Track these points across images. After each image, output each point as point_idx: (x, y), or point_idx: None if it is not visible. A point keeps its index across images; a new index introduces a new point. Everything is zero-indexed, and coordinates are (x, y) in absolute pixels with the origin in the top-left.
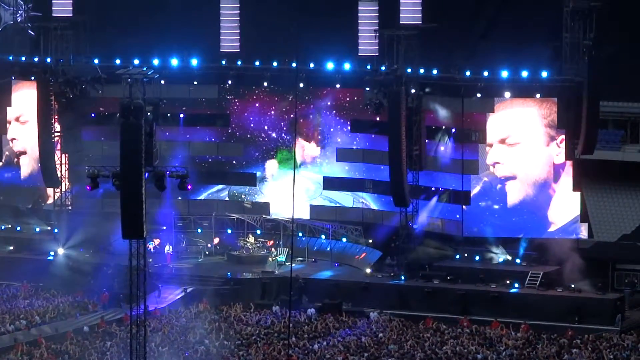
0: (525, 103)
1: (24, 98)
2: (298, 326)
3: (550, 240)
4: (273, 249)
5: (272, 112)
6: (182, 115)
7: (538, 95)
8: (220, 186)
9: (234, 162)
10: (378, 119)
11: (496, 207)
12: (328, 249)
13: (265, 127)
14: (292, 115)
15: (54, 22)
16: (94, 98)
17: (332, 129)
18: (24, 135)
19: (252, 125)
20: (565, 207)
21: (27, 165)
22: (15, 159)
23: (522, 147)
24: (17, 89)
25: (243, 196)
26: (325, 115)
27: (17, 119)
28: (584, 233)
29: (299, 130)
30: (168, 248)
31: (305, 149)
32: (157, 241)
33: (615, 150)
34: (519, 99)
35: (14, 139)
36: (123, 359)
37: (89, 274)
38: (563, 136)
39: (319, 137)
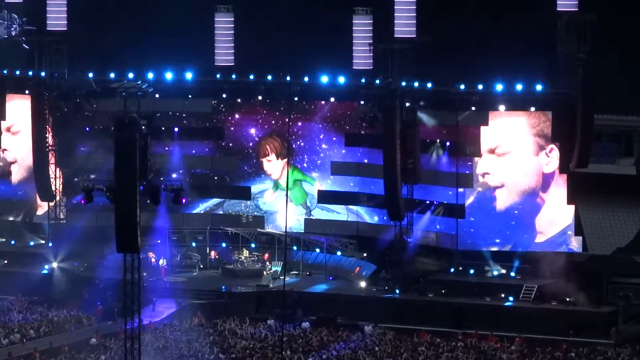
0: (514, 113)
1: (16, 109)
2: (293, 340)
3: (545, 254)
4: (268, 263)
5: (267, 126)
6: (176, 129)
7: (532, 109)
8: (216, 200)
9: (229, 175)
10: (372, 132)
11: (488, 218)
12: (323, 262)
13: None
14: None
15: (48, 36)
16: (89, 112)
17: (326, 143)
18: (16, 146)
19: (246, 138)
20: (554, 218)
21: (17, 174)
22: (7, 170)
23: (511, 156)
24: (9, 99)
25: (241, 214)
26: (320, 128)
27: (7, 129)
28: (574, 244)
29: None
30: (162, 262)
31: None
32: (151, 254)
33: (609, 163)
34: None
35: (5, 149)
36: None
37: (83, 287)
38: (552, 146)
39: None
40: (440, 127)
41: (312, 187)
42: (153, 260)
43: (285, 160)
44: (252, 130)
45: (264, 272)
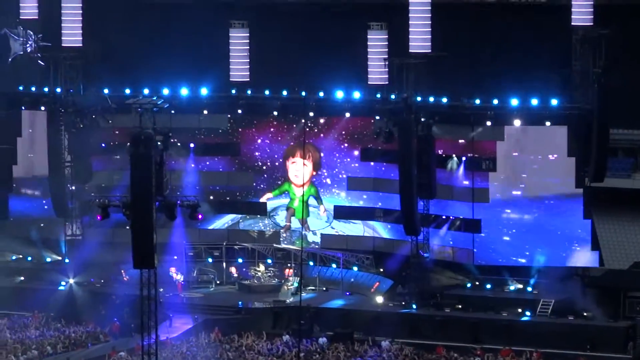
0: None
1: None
2: (309, 355)
3: (561, 268)
4: (290, 278)
5: (283, 141)
6: (192, 145)
7: (548, 123)
8: (233, 216)
9: (245, 191)
10: (388, 147)
11: (506, 237)
12: (339, 277)
13: (276, 156)
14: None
15: (63, 52)
16: (104, 128)
17: (342, 158)
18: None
19: (262, 154)
20: (571, 233)
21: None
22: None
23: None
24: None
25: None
26: (335, 144)
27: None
28: (591, 259)
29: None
30: (179, 277)
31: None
32: (173, 270)
33: (625, 178)
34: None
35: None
36: None
37: (100, 303)
38: None
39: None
40: (456, 141)
41: (317, 210)
42: (175, 276)
43: (309, 168)
44: (268, 146)
45: (285, 287)
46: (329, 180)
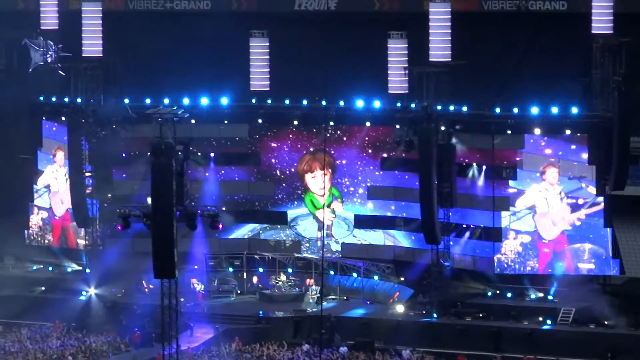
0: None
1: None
2: None
3: (582, 277)
4: (313, 287)
5: (303, 151)
6: (212, 154)
7: (568, 132)
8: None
9: (265, 201)
10: (408, 156)
11: (527, 241)
12: (360, 286)
13: (296, 165)
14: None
15: (84, 63)
16: (125, 138)
17: (362, 167)
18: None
19: (282, 163)
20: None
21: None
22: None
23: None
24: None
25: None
26: (356, 153)
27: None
28: (612, 267)
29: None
30: (200, 287)
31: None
32: (194, 281)
33: None
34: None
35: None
36: None
37: (120, 313)
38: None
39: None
40: (476, 150)
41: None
42: (197, 287)
43: (328, 176)
44: (288, 155)
45: (309, 296)
46: (352, 188)
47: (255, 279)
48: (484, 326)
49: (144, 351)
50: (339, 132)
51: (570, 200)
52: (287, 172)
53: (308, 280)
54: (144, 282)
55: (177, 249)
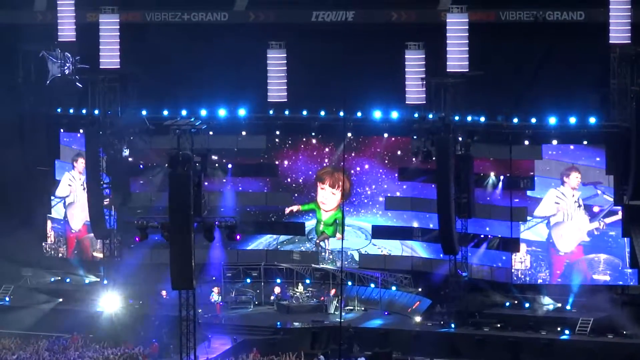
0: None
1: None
2: None
3: (600, 287)
4: (334, 298)
5: (320, 161)
6: (230, 166)
7: (585, 142)
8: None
9: (282, 212)
10: (426, 166)
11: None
12: (378, 297)
13: (313, 176)
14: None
15: (101, 74)
16: (142, 149)
17: (380, 178)
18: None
19: (300, 174)
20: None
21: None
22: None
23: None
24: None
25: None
26: (374, 163)
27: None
28: (630, 277)
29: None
30: (217, 298)
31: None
32: (216, 289)
33: None
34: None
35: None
36: None
37: (138, 324)
38: None
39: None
40: (494, 160)
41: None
42: (216, 297)
43: (339, 195)
44: (306, 166)
45: (334, 306)
46: (372, 197)
47: (277, 290)
48: (501, 336)
49: None
50: (356, 143)
51: (586, 206)
52: (305, 183)
53: (332, 291)
54: (163, 291)
55: (195, 260)
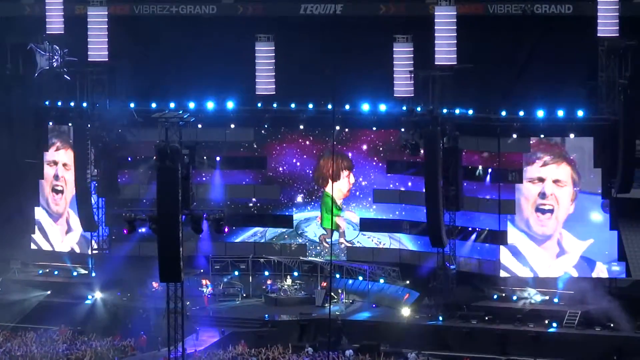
0: None
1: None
2: None
3: (588, 279)
4: (339, 290)
5: (309, 154)
6: (218, 158)
7: (572, 135)
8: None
9: (271, 204)
10: (414, 159)
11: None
12: (366, 289)
13: (304, 169)
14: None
15: (89, 67)
16: (130, 141)
17: (368, 170)
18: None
19: (288, 167)
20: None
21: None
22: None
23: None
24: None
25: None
26: (362, 156)
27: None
28: (618, 270)
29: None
30: (205, 290)
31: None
32: (206, 281)
33: None
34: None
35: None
36: None
37: (126, 317)
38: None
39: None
40: (482, 153)
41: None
42: (205, 289)
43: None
44: (294, 159)
45: (339, 302)
46: (358, 193)
47: (270, 281)
48: (489, 329)
49: (150, 354)
50: (344, 136)
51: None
52: (293, 176)
53: (322, 284)
54: (154, 283)
55: (183, 253)
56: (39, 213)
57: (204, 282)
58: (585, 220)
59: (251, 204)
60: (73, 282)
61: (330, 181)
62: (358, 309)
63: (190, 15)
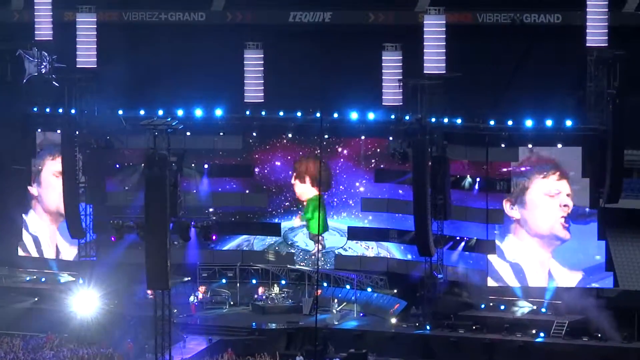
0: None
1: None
2: None
3: (576, 289)
4: (336, 301)
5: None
6: (206, 166)
7: (559, 145)
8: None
9: (258, 212)
10: (402, 168)
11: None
12: (353, 298)
13: (290, 177)
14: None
15: (78, 74)
16: (118, 149)
17: (356, 179)
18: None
19: (276, 175)
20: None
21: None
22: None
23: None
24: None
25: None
26: (350, 165)
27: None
28: (605, 280)
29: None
30: (192, 298)
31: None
32: (202, 289)
33: None
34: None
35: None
36: None
37: (113, 324)
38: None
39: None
40: (470, 162)
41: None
42: (193, 297)
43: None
44: (282, 167)
45: (333, 311)
46: (350, 201)
47: (261, 290)
48: (477, 338)
49: None
50: (332, 143)
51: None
52: (281, 184)
53: (316, 292)
54: (149, 291)
55: (170, 260)
56: (30, 219)
57: (200, 289)
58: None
59: (238, 212)
60: (60, 288)
61: (300, 181)
62: (345, 318)
63: (179, 22)
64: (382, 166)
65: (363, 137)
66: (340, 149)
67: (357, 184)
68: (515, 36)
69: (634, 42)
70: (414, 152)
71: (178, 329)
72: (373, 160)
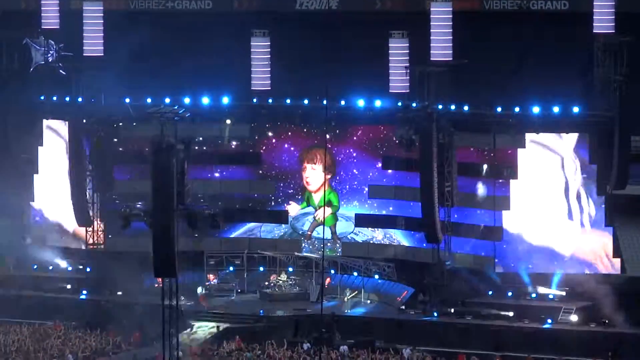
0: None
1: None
2: None
3: (583, 275)
4: (348, 290)
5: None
6: (213, 154)
7: (567, 132)
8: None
9: (266, 199)
10: (409, 155)
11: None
12: (360, 285)
13: (297, 165)
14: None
15: (85, 62)
16: (126, 137)
17: (363, 166)
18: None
19: (283, 162)
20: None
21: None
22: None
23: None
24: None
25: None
26: (357, 152)
27: None
28: (616, 268)
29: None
30: (201, 290)
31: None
32: (212, 277)
33: None
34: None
35: None
36: None
37: (121, 312)
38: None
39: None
40: (477, 149)
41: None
42: (200, 289)
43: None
44: (289, 154)
45: (345, 299)
46: (356, 186)
47: (273, 277)
48: (484, 325)
49: (145, 350)
50: (339, 131)
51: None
52: (289, 171)
53: (327, 280)
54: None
55: (178, 248)
56: (37, 207)
57: (210, 277)
58: None
59: (246, 200)
60: (68, 277)
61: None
62: (353, 305)
63: (185, 10)
64: (389, 153)
65: (370, 124)
66: (347, 137)
67: (365, 171)
68: (522, 23)
69: None
70: (421, 139)
71: (185, 317)
72: (380, 148)
